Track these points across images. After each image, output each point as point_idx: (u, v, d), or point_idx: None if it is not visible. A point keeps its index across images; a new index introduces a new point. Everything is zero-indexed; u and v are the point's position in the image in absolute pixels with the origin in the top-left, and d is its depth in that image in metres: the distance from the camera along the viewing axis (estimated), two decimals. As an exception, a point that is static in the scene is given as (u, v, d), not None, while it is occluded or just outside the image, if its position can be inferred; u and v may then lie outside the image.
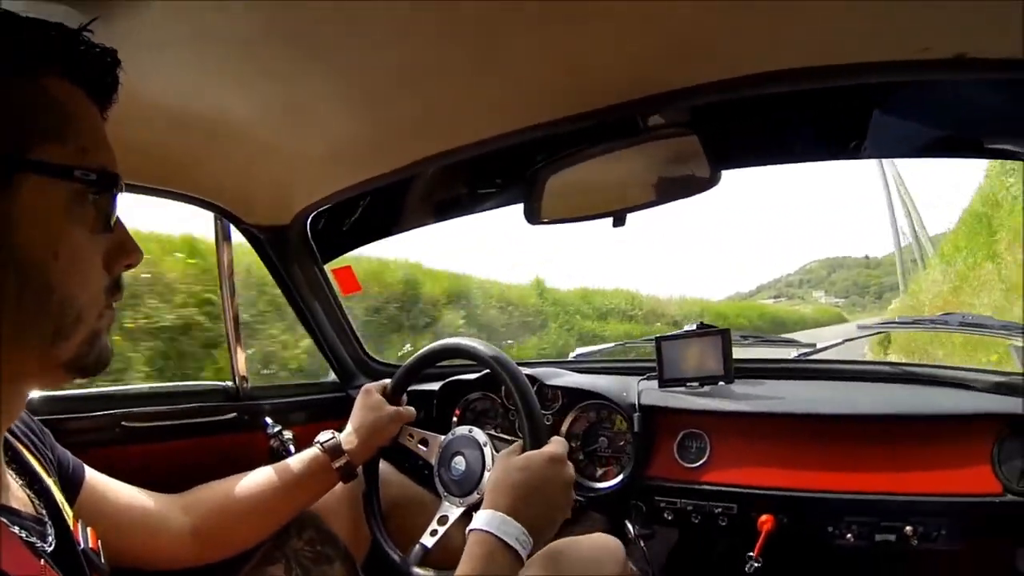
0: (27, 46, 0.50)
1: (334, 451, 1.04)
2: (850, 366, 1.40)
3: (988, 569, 1.09)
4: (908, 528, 1.05)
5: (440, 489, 1.03)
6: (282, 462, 1.04)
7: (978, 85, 0.90)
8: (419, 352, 1.11)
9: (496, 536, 0.75)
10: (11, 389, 0.54)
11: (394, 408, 1.11)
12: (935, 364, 1.29)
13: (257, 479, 1.01)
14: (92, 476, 0.84)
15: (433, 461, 1.06)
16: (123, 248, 0.57)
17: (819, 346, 1.53)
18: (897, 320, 1.67)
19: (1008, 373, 1.16)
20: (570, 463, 0.87)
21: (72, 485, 0.79)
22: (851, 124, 1.09)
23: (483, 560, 0.74)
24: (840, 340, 1.55)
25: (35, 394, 1.09)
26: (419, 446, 1.11)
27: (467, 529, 0.79)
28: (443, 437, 1.08)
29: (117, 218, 0.57)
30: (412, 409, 1.15)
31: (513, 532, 0.76)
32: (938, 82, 0.92)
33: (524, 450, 0.88)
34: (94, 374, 0.57)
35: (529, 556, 0.77)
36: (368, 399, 1.11)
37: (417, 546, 0.99)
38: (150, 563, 0.88)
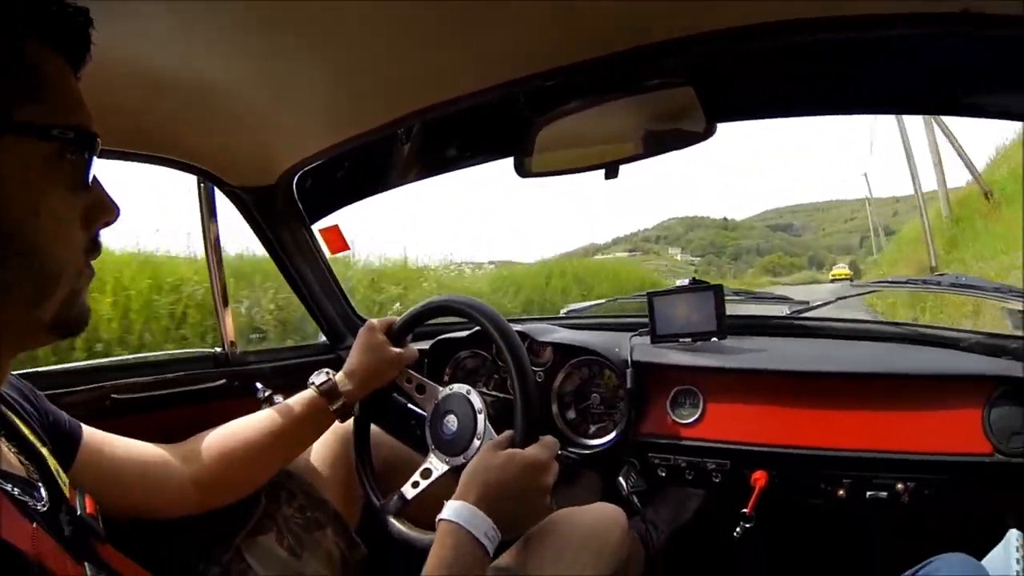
0: (1, 10, 0.49)
1: (331, 393, 1.03)
2: (843, 324, 1.41)
3: (978, 528, 1.11)
4: (899, 485, 1.07)
5: (429, 441, 1.02)
6: (278, 405, 1.03)
7: (978, 42, 0.88)
8: (429, 301, 1.09)
9: (465, 529, 0.76)
10: None
11: (396, 350, 1.09)
12: (928, 324, 1.31)
13: (254, 424, 1.00)
14: (90, 433, 0.84)
15: (427, 412, 1.04)
16: (101, 206, 0.57)
17: (812, 303, 1.52)
18: (890, 279, 1.67)
19: (1000, 335, 1.17)
20: (555, 465, 0.88)
21: (70, 445, 0.79)
22: (850, 78, 1.07)
23: (452, 551, 0.75)
24: (833, 298, 1.54)
25: (24, 371, 1.08)
26: (415, 392, 1.09)
27: (437, 518, 0.79)
28: (441, 389, 1.05)
29: (94, 176, 0.57)
30: (415, 349, 1.12)
31: (482, 527, 0.77)
32: (939, 38, 0.89)
33: (513, 442, 0.88)
34: (75, 334, 0.57)
35: (495, 553, 0.79)
36: (371, 338, 1.09)
37: (396, 495, 0.99)
38: (153, 514, 0.89)
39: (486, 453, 0.86)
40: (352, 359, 1.08)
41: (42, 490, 0.59)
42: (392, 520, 0.98)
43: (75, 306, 0.56)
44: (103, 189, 0.58)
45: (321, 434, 1.06)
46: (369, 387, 1.07)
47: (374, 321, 1.12)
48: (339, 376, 1.06)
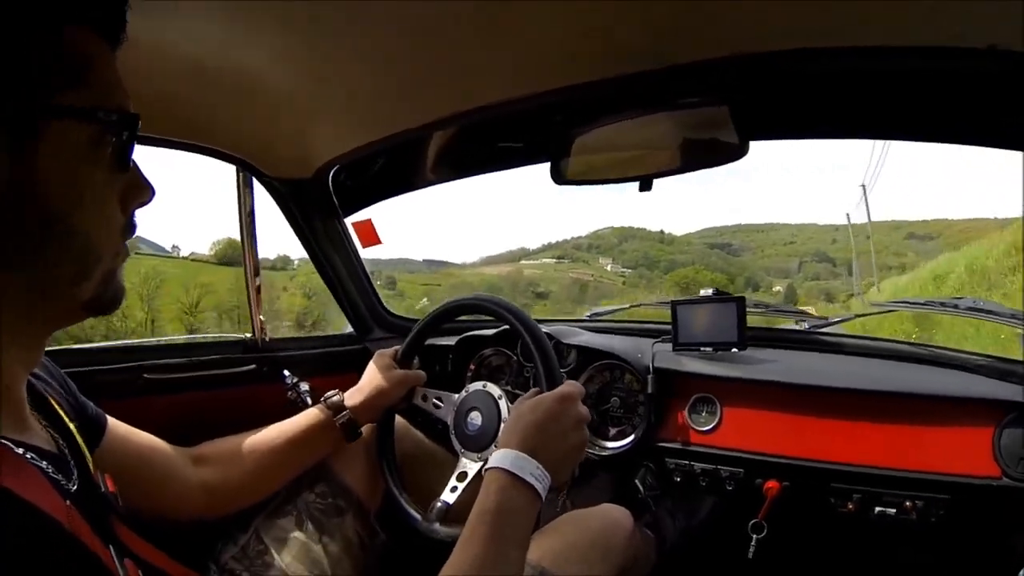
0: None
1: (337, 408, 1.06)
2: (860, 341, 1.42)
3: (984, 550, 1.12)
4: (907, 503, 1.09)
5: (457, 446, 1.03)
6: (289, 419, 1.05)
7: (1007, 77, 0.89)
8: (433, 310, 1.13)
9: (510, 472, 0.75)
10: (34, 331, 0.56)
11: (402, 371, 1.13)
12: (942, 346, 1.31)
13: (264, 435, 1.02)
14: (114, 424, 0.85)
15: (449, 420, 1.07)
16: (138, 187, 0.58)
17: (831, 319, 1.54)
18: (908, 300, 1.67)
19: (1015, 361, 1.18)
20: (583, 405, 0.87)
21: (95, 433, 0.80)
22: (880, 104, 1.08)
23: (497, 495, 0.73)
24: (852, 315, 1.55)
25: (58, 348, 1.11)
26: (434, 407, 1.12)
27: (483, 469, 0.79)
28: (457, 396, 1.08)
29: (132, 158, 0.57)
30: (422, 372, 1.16)
31: (527, 467, 0.75)
32: (967, 70, 0.90)
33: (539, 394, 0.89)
34: (110, 312, 0.58)
35: (548, 493, 0.78)
36: (379, 361, 1.14)
37: (439, 503, 0.99)
38: (159, 512, 0.88)
39: (516, 407, 0.87)
40: (363, 379, 1.13)
41: (73, 467, 0.59)
42: (439, 527, 0.98)
43: (112, 285, 0.57)
44: (139, 170, 0.58)
45: (328, 451, 1.08)
46: (377, 404, 1.11)
47: (384, 350, 1.17)
48: (348, 393, 1.10)
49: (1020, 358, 1.19)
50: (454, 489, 1.00)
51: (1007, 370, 1.17)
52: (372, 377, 1.12)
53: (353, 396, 1.09)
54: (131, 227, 0.59)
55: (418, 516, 1.02)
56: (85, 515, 0.52)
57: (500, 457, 0.77)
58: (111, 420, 0.85)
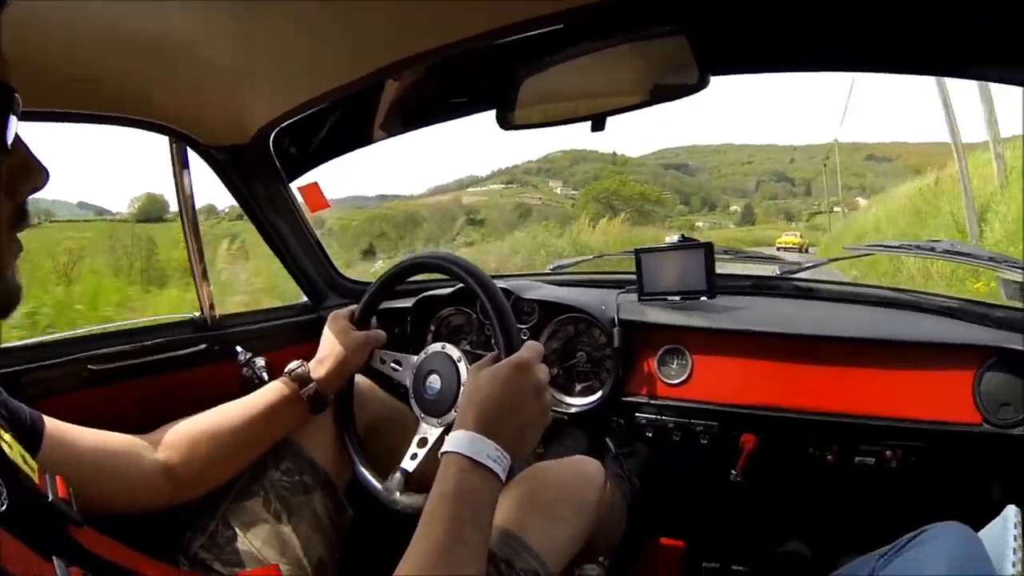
0: None
1: (302, 380, 1.02)
2: (834, 287, 1.40)
3: (965, 496, 1.12)
4: (888, 452, 1.08)
5: (417, 410, 1.00)
6: (252, 394, 1.01)
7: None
8: (386, 272, 1.07)
9: (466, 456, 0.71)
10: None
11: (362, 333, 1.08)
12: (920, 291, 1.30)
13: (227, 413, 0.98)
14: (52, 425, 0.80)
15: (408, 383, 1.03)
16: (26, 169, 0.52)
17: (803, 265, 1.51)
18: (884, 244, 1.66)
19: (994, 305, 1.17)
20: (543, 367, 0.82)
21: (32, 439, 0.75)
22: (852, 33, 1.03)
23: (455, 478, 0.70)
24: (825, 260, 1.52)
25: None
26: (393, 369, 1.08)
27: (439, 452, 0.75)
28: (415, 357, 1.04)
29: (17, 137, 0.51)
30: (382, 332, 1.12)
31: (484, 449, 0.72)
32: None
33: (496, 360, 0.83)
34: (5, 315, 0.53)
35: (510, 472, 0.75)
36: (335, 325, 1.08)
37: (398, 472, 0.96)
38: (124, 507, 0.85)
39: (471, 377, 0.82)
40: (321, 348, 1.07)
41: (1, 488, 0.54)
42: (400, 497, 0.95)
43: (3, 285, 0.51)
44: (28, 151, 0.53)
45: (295, 425, 1.04)
46: (342, 372, 1.05)
47: (337, 312, 1.11)
48: (311, 363, 1.05)
49: (999, 302, 1.17)
50: (414, 456, 0.96)
51: (986, 314, 1.15)
52: (331, 344, 1.06)
53: (317, 367, 1.04)
54: (23, 216, 0.53)
55: (379, 485, 0.98)
56: (18, 533, 0.49)
57: (456, 440, 0.73)
58: (49, 422, 0.80)
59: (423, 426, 0.98)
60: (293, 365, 1.04)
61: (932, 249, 1.34)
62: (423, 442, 0.96)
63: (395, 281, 1.07)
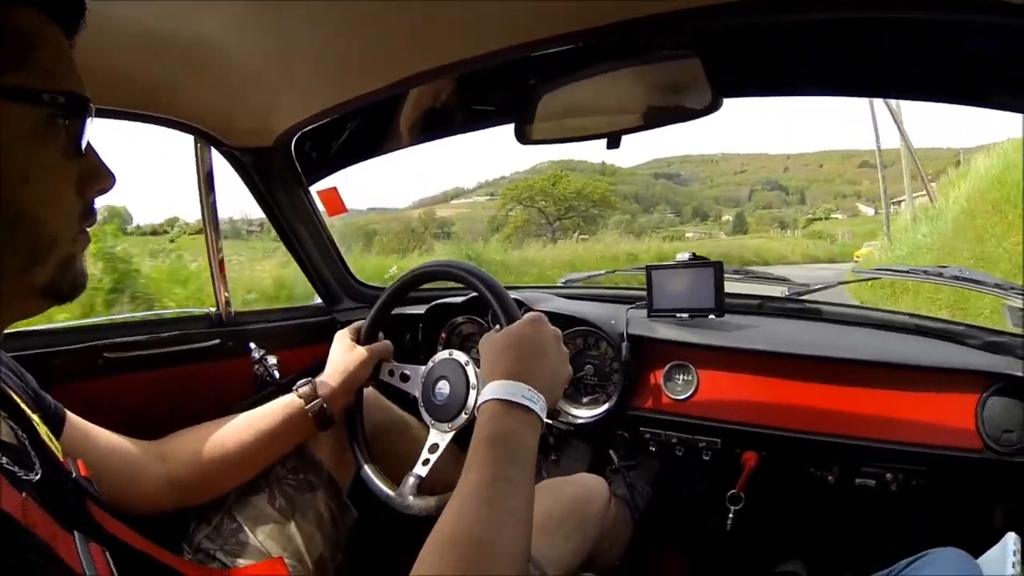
0: None
1: (308, 397, 1.03)
2: (841, 309, 1.40)
3: (965, 522, 1.12)
4: (888, 474, 1.08)
5: (427, 418, 1.00)
6: (259, 409, 1.02)
7: (990, 32, 0.85)
8: (393, 284, 1.08)
9: (500, 400, 0.73)
10: None
11: (366, 348, 1.09)
12: (925, 315, 1.30)
13: (234, 427, 1.00)
14: (72, 419, 0.84)
15: (417, 393, 1.04)
16: (95, 173, 0.58)
17: (811, 286, 1.51)
18: (891, 268, 1.66)
19: (998, 331, 1.17)
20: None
21: (54, 427, 0.78)
22: (862, 59, 1.05)
23: (491, 423, 0.71)
24: (834, 282, 1.53)
25: (16, 329, 1.07)
26: (401, 380, 1.09)
27: (475, 406, 0.76)
28: (423, 368, 1.05)
29: (88, 143, 0.56)
30: (388, 344, 1.13)
31: (516, 391, 0.73)
32: (952, 24, 0.87)
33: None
34: (70, 299, 0.57)
35: (547, 413, 0.75)
36: (340, 343, 1.10)
37: (411, 477, 0.96)
38: (127, 509, 0.86)
39: (486, 343, 0.83)
40: (329, 364, 1.08)
41: (34, 457, 0.58)
42: (414, 500, 0.95)
43: (71, 271, 0.56)
44: (98, 156, 0.58)
45: (301, 440, 1.05)
46: (348, 387, 1.07)
47: (343, 330, 1.13)
48: (319, 380, 1.06)
49: (1005, 328, 1.17)
50: (426, 462, 0.97)
51: (991, 341, 1.15)
52: (337, 361, 1.08)
53: (323, 384, 1.05)
54: (90, 213, 0.58)
55: (391, 492, 0.99)
56: (46, 505, 0.52)
57: (488, 390, 0.74)
58: (71, 416, 0.84)
59: (433, 432, 0.98)
60: (301, 382, 1.05)
61: (940, 274, 1.35)
62: (435, 448, 0.97)
63: (405, 290, 1.08)
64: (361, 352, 1.08)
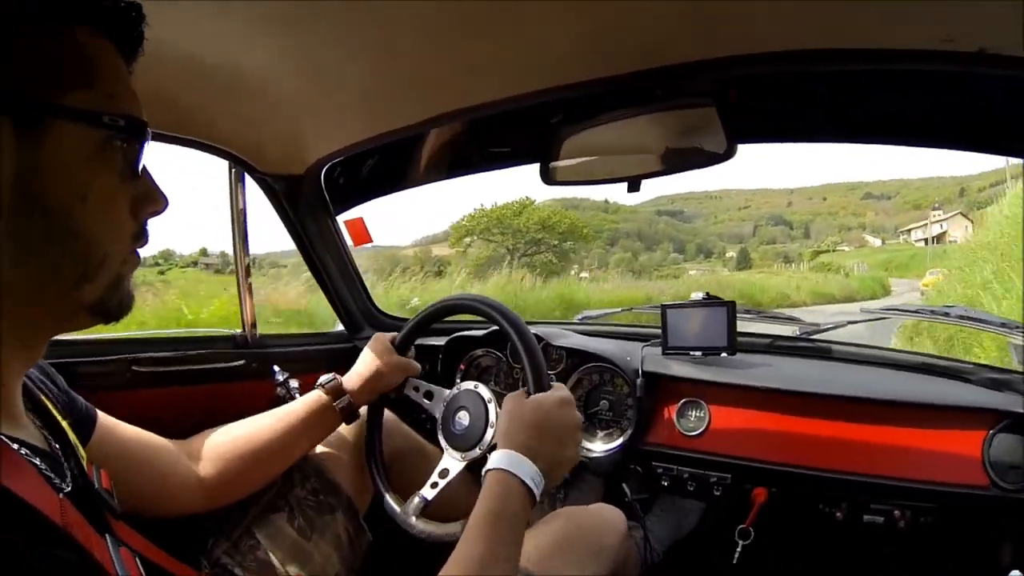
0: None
1: (336, 392, 1.06)
2: (851, 348, 1.42)
3: (973, 559, 1.12)
4: (896, 511, 1.09)
5: (443, 443, 1.03)
6: (284, 407, 1.05)
7: (997, 80, 0.89)
8: (428, 307, 1.12)
9: (512, 474, 0.76)
10: (34, 332, 0.56)
11: (400, 358, 1.12)
12: (932, 354, 1.31)
13: (261, 423, 1.02)
14: (103, 419, 0.85)
15: (437, 415, 1.06)
16: (150, 196, 0.58)
17: (822, 326, 1.53)
18: (899, 307, 1.67)
19: (1005, 370, 1.18)
20: (577, 412, 0.88)
21: (85, 428, 0.80)
22: (872, 107, 1.09)
23: (501, 498, 0.75)
24: (844, 322, 1.55)
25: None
26: (424, 399, 1.11)
27: (484, 469, 0.79)
28: (448, 391, 1.08)
29: (144, 166, 0.58)
30: (417, 364, 1.16)
31: (528, 471, 0.77)
32: (960, 74, 0.90)
33: (529, 395, 0.88)
34: (116, 319, 0.58)
35: (541, 496, 0.79)
36: (377, 345, 1.13)
37: (417, 497, 1.00)
38: (157, 509, 0.88)
39: (514, 404, 0.86)
40: (359, 363, 1.12)
41: (66, 467, 0.59)
42: (416, 522, 0.99)
43: (119, 291, 0.57)
44: (152, 179, 0.59)
45: (326, 435, 1.08)
46: (374, 388, 1.10)
47: (381, 334, 1.16)
48: (346, 376, 1.09)
49: (1011, 367, 1.19)
50: (434, 485, 1.00)
51: (997, 379, 1.17)
52: (370, 360, 1.11)
53: (351, 379, 1.08)
54: (143, 235, 0.59)
55: (397, 508, 1.02)
56: (79, 509, 0.52)
57: (503, 458, 0.78)
58: (101, 415, 0.84)
59: (447, 458, 1.01)
60: (326, 378, 1.07)
61: (947, 314, 1.36)
62: (444, 473, 0.99)
63: (434, 318, 1.12)
64: (396, 359, 1.11)
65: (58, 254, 0.51)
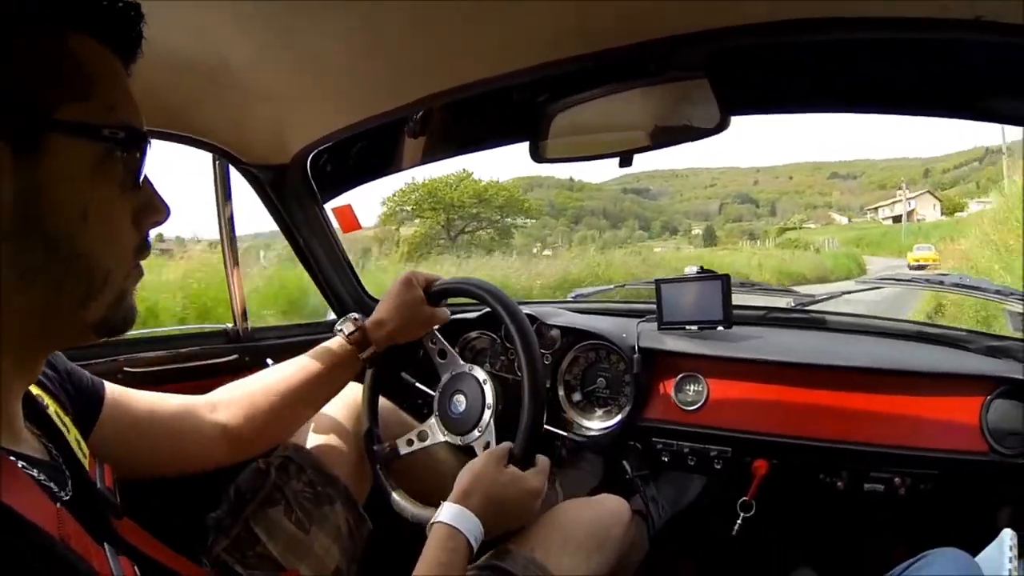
0: (50, 4, 0.49)
1: (361, 343, 1.05)
2: (846, 318, 1.43)
3: (972, 525, 1.13)
4: (897, 479, 1.10)
5: (438, 424, 1.06)
6: (307, 354, 1.04)
7: (991, 48, 0.88)
8: (474, 281, 1.09)
9: (463, 534, 0.83)
10: (35, 350, 0.55)
11: (431, 309, 1.09)
12: (928, 323, 1.32)
13: (283, 373, 1.01)
14: (112, 389, 0.83)
15: (440, 384, 1.09)
16: (151, 205, 0.57)
17: (817, 297, 1.54)
18: (893, 276, 1.68)
19: (1000, 336, 1.19)
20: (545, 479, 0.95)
21: (93, 403, 0.78)
22: (864, 76, 1.08)
23: (449, 554, 0.81)
24: (839, 292, 1.55)
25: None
26: (437, 356, 1.12)
27: (431, 520, 0.85)
28: (460, 363, 1.09)
29: (145, 176, 0.56)
30: (446, 311, 1.13)
31: (475, 532, 0.84)
32: (954, 43, 0.90)
33: (511, 456, 0.94)
34: (121, 333, 0.57)
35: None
36: (408, 293, 1.08)
37: (389, 445, 1.05)
38: (181, 467, 0.89)
39: (491, 465, 0.91)
40: (385, 308, 1.08)
41: (67, 479, 0.58)
42: (395, 496, 1.04)
43: (122, 306, 0.56)
44: (153, 188, 0.57)
45: (348, 382, 1.08)
46: (396, 340, 1.08)
47: (413, 274, 1.10)
48: (369, 323, 1.07)
49: (1006, 333, 1.20)
50: (410, 443, 1.06)
51: (993, 346, 1.18)
52: (399, 311, 1.07)
53: (376, 328, 1.06)
54: (145, 247, 0.58)
55: (375, 447, 1.09)
56: (78, 519, 0.51)
57: (457, 515, 0.84)
58: (110, 386, 0.82)
59: (432, 422, 1.07)
60: (348, 327, 1.05)
61: (941, 282, 1.37)
62: (423, 435, 1.07)
63: (465, 293, 1.11)
64: (427, 312, 1.09)
65: (61, 275, 0.50)
